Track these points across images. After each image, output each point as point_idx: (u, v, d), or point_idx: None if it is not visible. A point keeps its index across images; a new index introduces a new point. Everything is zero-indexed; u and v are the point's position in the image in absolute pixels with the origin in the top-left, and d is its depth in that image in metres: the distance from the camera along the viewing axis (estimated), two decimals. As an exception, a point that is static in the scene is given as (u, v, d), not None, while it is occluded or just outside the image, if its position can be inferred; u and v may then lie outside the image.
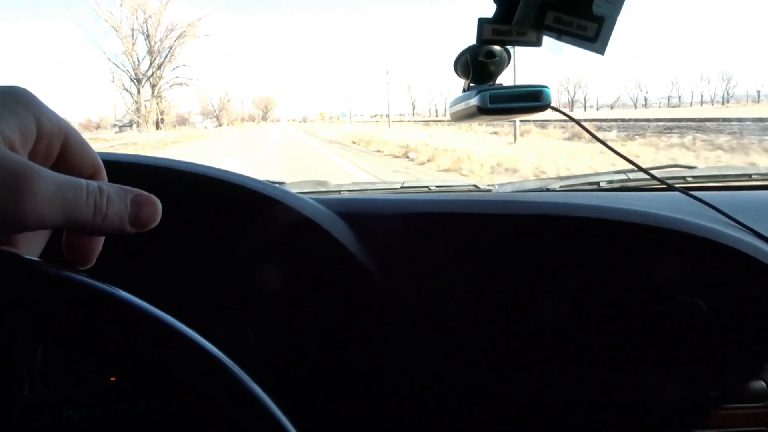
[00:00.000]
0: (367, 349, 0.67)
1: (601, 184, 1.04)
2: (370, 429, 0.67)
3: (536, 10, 0.56)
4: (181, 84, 49.32)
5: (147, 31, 46.47)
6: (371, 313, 0.68)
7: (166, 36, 47.64)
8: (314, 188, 1.02)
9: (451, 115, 0.83)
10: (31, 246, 0.31)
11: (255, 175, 0.70)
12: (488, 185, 1.12)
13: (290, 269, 0.67)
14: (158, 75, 47.31)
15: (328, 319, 0.67)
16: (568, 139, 13.76)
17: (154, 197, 0.30)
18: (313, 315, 0.67)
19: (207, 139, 29.94)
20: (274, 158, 13.66)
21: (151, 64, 47.18)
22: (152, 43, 46.80)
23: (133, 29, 46.20)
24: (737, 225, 0.72)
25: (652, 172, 0.88)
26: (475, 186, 1.11)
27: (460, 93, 0.78)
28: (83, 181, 0.28)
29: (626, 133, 15.95)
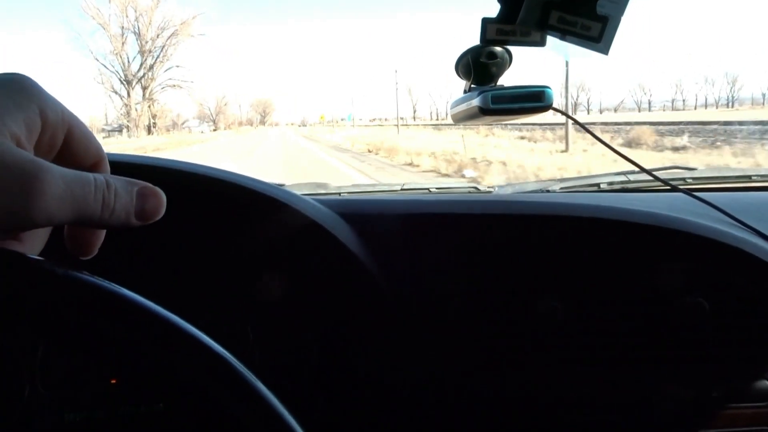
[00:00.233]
0: (367, 350, 0.67)
1: (602, 186, 1.05)
2: (371, 430, 0.67)
3: (540, 10, 0.56)
4: (174, 86, 47.51)
5: (138, 29, 44.42)
6: (372, 314, 0.67)
7: (158, 35, 45.37)
8: (314, 190, 1.01)
9: (452, 116, 0.83)
10: (35, 241, 0.30)
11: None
12: (488, 187, 1.12)
13: (291, 270, 0.67)
14: (150, 76, 45.06)
15: (328, 320, 0.67)
16: (624, 144, 12.59)
17: (158, 189, 0.30)
18: (314, 316, 0.67)
19: (198, 146, 27.82)
20: (273, 172, 10.91)
21: (141, 64, 44.85)
22: (143, 43, 44.53)
23: (123, 27, 44.01)
24: (740, 225, 0.72)
25: (654, 173, 0.88)
26: (475, 188, 1.11)
27: (461, 95, 0.78)
28: (91, 176, 0.27)
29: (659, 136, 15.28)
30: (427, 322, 0.68)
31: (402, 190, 1.12)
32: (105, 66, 45.10)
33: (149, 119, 44.69)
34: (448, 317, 0.69)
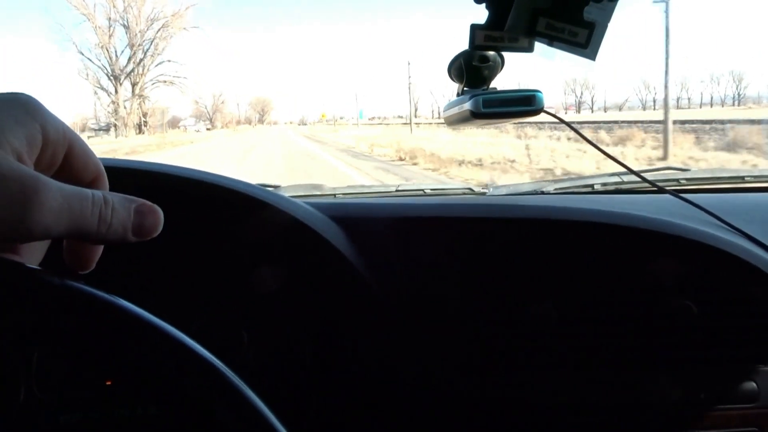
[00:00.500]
0: (361, 352, 0.68)
1: (595, 187, 1.05)
2: (365, 430, 0.67)
3: (528, 17, 0.56)
4: (166, 82, 43.19)
5: (127, 21, 40.30)
6: (365, 317, 0.68)
7: (148, 27, 41.20)
8: (309, 192, 1.02)
9: (444, 119, 0.83)
10: (34, 253, 0.31)
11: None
12: (483, 188, 1.12)
13: (283, 273, 0.67)
14: (139, 72, 40.93)
15: (321, 323, 0.68)
16: (726, 149, 11.37)
17: (156, 207, 0.31)
18: (307, 318, 0.68)
19: (187, 146, 24.92)
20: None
21: (130, 58, 40.66)
22: (132, 36, 40.56)
23: (110, 19, 39.98)
24: (728, 227, 0.73)
25: (646, 174, 0.89)
26: (469, 189, 1.12)
27: (454, 97, 0.79)
28: (89, 191, 0.28)
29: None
30: (420, 325, 0.69)
31: (397, 191, 1.12)
32: (90, 60, 40.86)
33: (140, 117, 41.48)
34: (442, 320, 0.69)
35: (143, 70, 41.61)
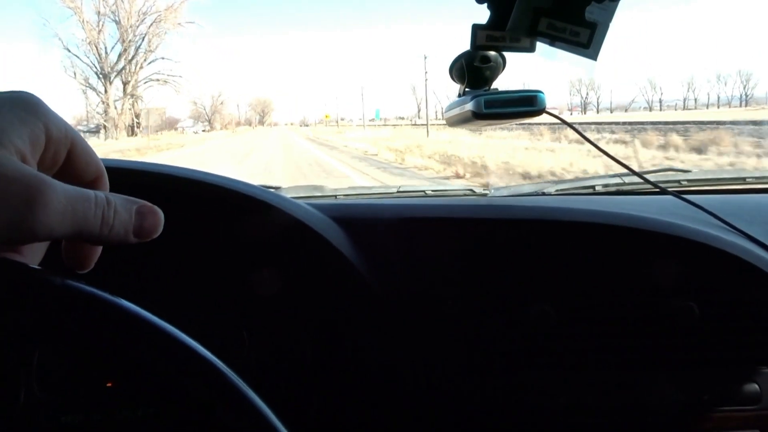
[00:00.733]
0: (362, 353, 0.68)
1: (597, 188, 1.05)
2: (365, 430, 0.67)
3: (530, 17, 0.56)
4: (159, 80, 39.73)
5: (118, 16, 36.88)
6: (366, 317, 0.68)
7: (140, 21, 37.66)
8: (310, 193, 1.02)
9: (446, 120, 0.83)
10: (35, 253, 0.31)
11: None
12: (484, 189, 1.12)
13: (284, 273, 0.67)
14: (131, 69, 37.59)
15: (322, 323, 0.68)
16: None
17: (157, 208, 0.31)
18: (308, 319, 0.68)
19: (175, 151, 21.57)
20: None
21: (120, 55, 37.21)
22: (123, 31, 37.05)
23: (99, 13, 36.49)
24: (730, 228, 0.73)
25: (647, 175, 0.88)
26: (471, 190, 1.12)
27: (455, 98, 0.79)
28: (92, 193, 0.28)
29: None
30: (420, 326, 0.69)
31: (398, 192, 1.12)
32: (78, 57, 37.23)
33: (132, 119, 38.09)
34: (442, 320, 0.69)
35: (135, 68, 38.54)
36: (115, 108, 36.72)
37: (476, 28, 0.60)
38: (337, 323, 0.68)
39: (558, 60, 0.59)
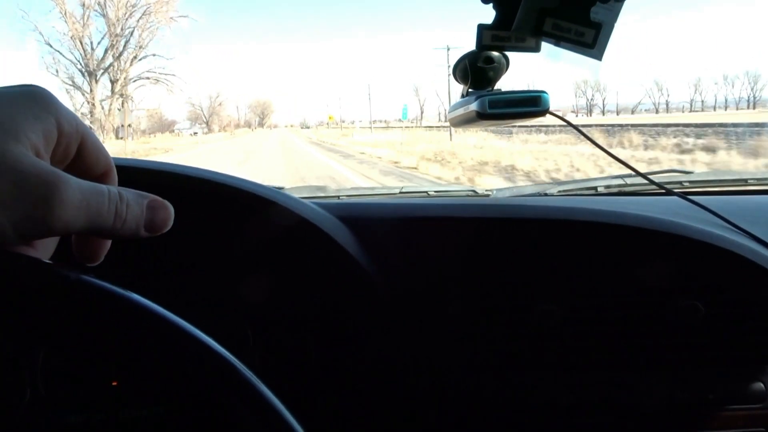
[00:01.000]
0: (365, 352, 0.68)
1: (599, 189, 1.05)
2: (369, 430, 0.67)
3: (535, 17, 0.56)
4: (149, 78, 36.35)
5: (105, 8, 33.20)
6: (371, 316, 0.68)
7: (129, 14, 33.88)
8: (314, 193, 1.02)
9: (450, 120, 0.84)
10: (46, 247, 0.32)
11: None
12: (486, 190, 1.12)
13: (290, 272, 0.67)
14: (119, 67, 34.04)
15: (327, 322, 0.68)
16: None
17: (167, 202, 0.31)
18: (313, 318, 0.68)
19: (158, 157, 14.86)
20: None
21: (107, 50, 33.45)
22: (110, 25, 33.29)
23: (84, 5, 32.80)
24: (735, 228, 0.73)
25: (650, 176, 0.89)
26: (473, 191, 1.12)
27: (458, 98, 0.79)
28: (105, 187, 0.29)
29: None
30: (424, 325, 0.69)
31: (401, 193, 1.13)
32: (61, 53, 33.29)
33: (122, 120, 33.96)
34: (446, 320, 0.69)
35: (124, 65, 34.67)
36: (102, 108, 33.44)
37: (482, 28, 0.60)
38: (342, 322, 0.68)
39: (563, 60, 0.59)
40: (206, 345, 0.27)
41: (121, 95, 34.73)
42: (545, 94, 0.72)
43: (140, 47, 35.11)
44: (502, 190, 1.14)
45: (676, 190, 0.84)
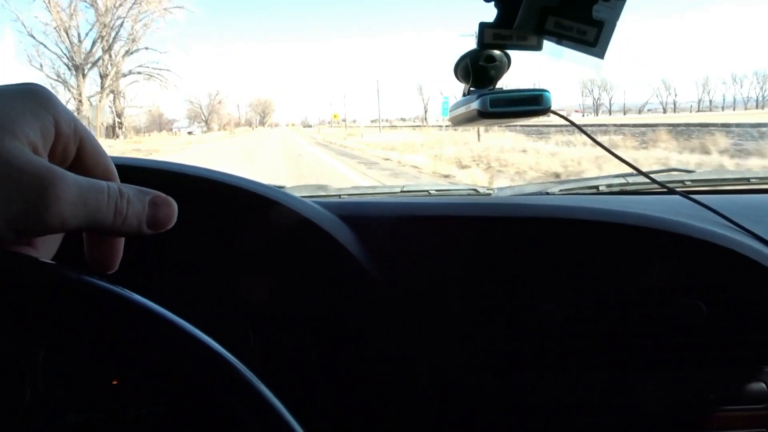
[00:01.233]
0: (366, 352, 0.68)
1: (601, 188, 1.05)
2: (370, 430, 0.67)
3: (537, 15, 0.56)
4: (141, 73, 33.70)
5: None
6: (372, 315, 0.68)
7: (119, 4, 31.05)
8: (314, 192, 1.02)
9: (451, 119, 0.83)
10: (48, 247, 0.31)
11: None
12: (488, 189, 1.12)
13: (291, 271, 0.67)
14: (110, 60, 31.26)
15: (328, 322, 0.68)
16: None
17: (170, 199, 0.31)
18: (314, 317, 0.67)
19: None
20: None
21: (95, 43, 30.55)
22: (99, 15, 30.63)
23: None
24: (737, 228, 0.73)
25: (652, 175, 0.88)
26: (474, 190, 1.12)
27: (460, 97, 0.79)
28: (104, 184, 0.28)
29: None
30: (425, 324, 0.69)
31: (402, 192, 1.12)
32: (45, 45, 30.33)
33: (114, 118, 32.51)
34: (447, 319, 0.69)
35: (115, 58, 31.84)
36: (90, 104, 30.46)
37: (483, 26, 0.60)
38: (342, 321, 0.68)
39: (565, 59, 0.59)
40: (206, 345, 0.27)
41: (112, 91, 32.84)
42: (547, 93, 0.72)
43: (133, 40, 32.65)
44: (504, 189, 1.14)
45: (678, 189, 0.84)
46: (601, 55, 0.57)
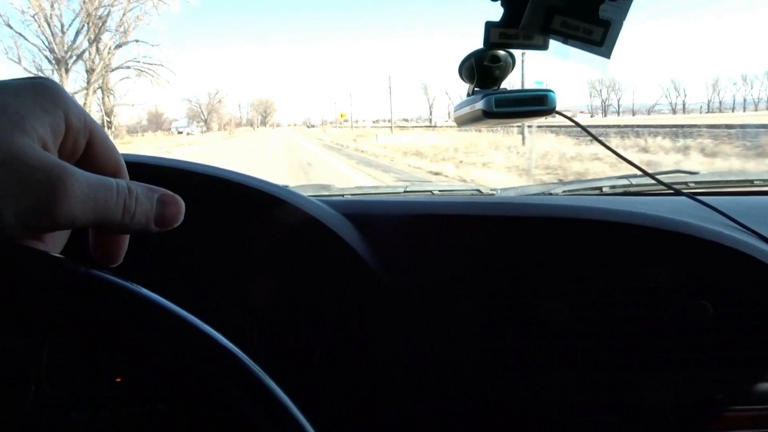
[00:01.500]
0: (371, 350, 0.68)
1: (604, 189, 1.05)
2: (374, 429, 0.67)
3: (543, 15, 0.56)
4: (130, 68, 30.99)
5: None
6: (376, 314, 0.68)
7: None
8: (319, 191, 1.02)
9: (455, 119, 0.84)
10: (56, 241, 0.31)
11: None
12: (491, 189, 1.12)
13: (295, 270, 0.67)
14: (98, 52, 28.41)
15: (332, 320, 0.68)
16: None
17: (178, 197, 0.31)
18: (318, 316, 0.67)
19: None
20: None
21: (78, 33, 27.60)
22: (84, 2, 27.65)
23: None
24: (743, 228, 0.73)
25: (656, 177, 0.88)
26: (478, 190, 1.12)
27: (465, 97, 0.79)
28: (113, 181, 0.28)
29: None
30: (430, 323, 0.69)
31: (405, 192, 1.12)
32: (24, 36, 27.51)
33: (102, 116, 29.52)
34: (451, 318, 0.69)
35: (105, 51, 28.88)
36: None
37: (489, 26, 0.60)
38: (347, 320, 0.68)
39: (571, 58, 0.59)
40: (214, 340, 0.27)
41: (101, 87, 30.15)
42: (552, 93, 0.72)
43: (124, 32, 29.79)
44: (507, 189, 1.14)
45: (683, 191, 0.83)
46: (607, 54, 0.57)
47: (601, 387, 0.68)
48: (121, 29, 29.43)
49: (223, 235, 0.66)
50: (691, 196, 0.79)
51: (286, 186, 0.93)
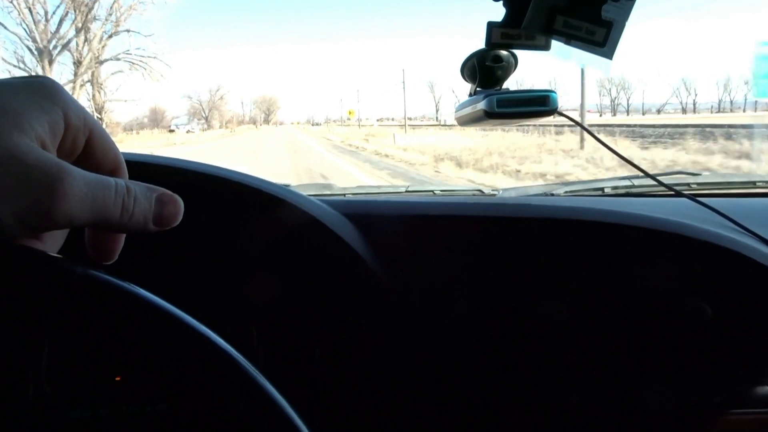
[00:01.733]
0: (371, 351, 0.68)
1: (606, 190, 1.05)
2: (374, 430, 0.67)
3: (545, 15, 0.56)
4: (120, 60, 28.33)
5: None
6: (377, 315, 0.68)
7: None
8: (320, 191, 1.02)
9: (457, 119, 0.84)
10: (54, 241, 0.31)
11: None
12: (492, 190, 1.12)
13: (296, 270, 0.67)
14: (87, 43, 25.99)
15: (332, 320, 0.68)
16: None
17: (177, 196, 0.31)
18: (318, 316, 0.67)
19: None
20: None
21: (62, 21, 25.01)
22: None
23: None
24: (743, 231, 0.72)
25: (658, 178, 0.88)
26: (479, 191, 1.11)
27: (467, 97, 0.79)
28: (112, 180, 0.28)
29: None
30: (430, 324, 0.69)
31: (407, 192, 1.12)
32: (4, 26, 25.26)
33: (93, 112, 19.93)
34: (452, 318, 0.69)
35: (95, 41, 26.29)
36: None
37: (491, 26, 0.60)
38: (347, 320, 0.68)
39: (573, 59, 0.59)
40: (211, 341, 0.27)
41: (90, 81, 27.39)
42: (554, 94, 0.72)
43: (116, 22, 27.15)
44: (509, 189, 1.14)
45: (684, 192, 0.83)
46: (609, 55, 0.57)
47: (600, 388, 0.68)
48: (112, 18, 27.18)
49: (223, 234, 0.66)
50: (693, 197, 0.78)
51: (288, 185, 0.93)
